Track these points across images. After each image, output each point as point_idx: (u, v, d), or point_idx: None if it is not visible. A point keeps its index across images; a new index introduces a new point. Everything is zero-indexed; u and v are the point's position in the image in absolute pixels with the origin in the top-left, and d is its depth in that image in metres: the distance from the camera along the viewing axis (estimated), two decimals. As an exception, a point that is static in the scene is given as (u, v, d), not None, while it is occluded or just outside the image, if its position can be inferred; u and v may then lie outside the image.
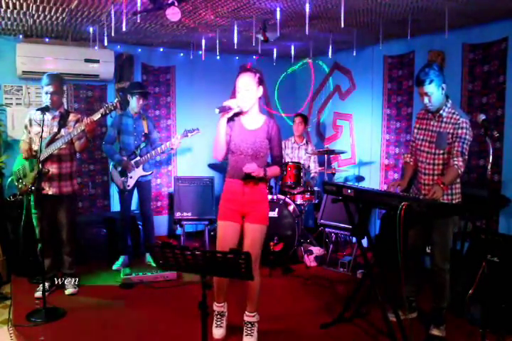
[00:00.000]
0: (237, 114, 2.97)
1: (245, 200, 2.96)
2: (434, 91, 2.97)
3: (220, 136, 2.91)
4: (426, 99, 3.02)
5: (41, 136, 3.46)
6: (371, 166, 5.54)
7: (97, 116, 3.56)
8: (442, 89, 3.00)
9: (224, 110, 2.84)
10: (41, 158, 3.52)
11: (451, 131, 3.00)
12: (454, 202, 3.07)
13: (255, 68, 3.02)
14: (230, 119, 2.96)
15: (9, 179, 4.45)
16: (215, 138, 2.94)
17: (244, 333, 3.03)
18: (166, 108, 5.81)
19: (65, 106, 5.09)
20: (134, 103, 4.58)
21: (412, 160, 3.35)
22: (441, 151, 3.06)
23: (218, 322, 3.09)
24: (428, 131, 3.16)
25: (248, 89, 2.88)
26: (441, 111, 3.06)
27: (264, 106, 6.48)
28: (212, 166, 6.06)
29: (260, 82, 2.95)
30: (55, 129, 3.73)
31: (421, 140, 3.21)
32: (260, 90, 2.94)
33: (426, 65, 3.06)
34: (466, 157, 2.96)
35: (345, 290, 3.95)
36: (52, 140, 3.67)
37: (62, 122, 3.75)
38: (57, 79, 3.78)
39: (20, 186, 3.80)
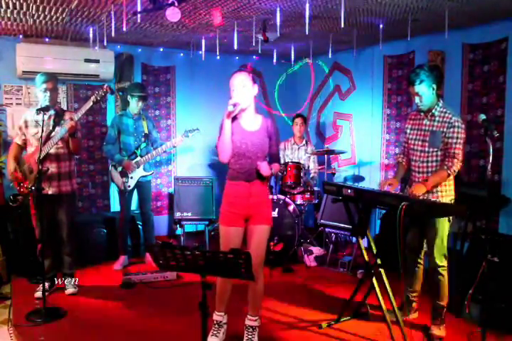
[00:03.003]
0: (234, 117, 2.91)
1: (251, 203, 2.90)
2: (424, 91, 3.05)
3: (226, 137, 2.84)
4: (417, 99, 3.11)
5: (41, 136, 3.45)
6: (371, 166, 5.54)
7: (89, 104, 3.58)
8: (433, 89, 3.07)
9: (236, 105, 2.80)
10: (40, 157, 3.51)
11: (444, 129, 3.06)
12: (443, 199, 3.08)
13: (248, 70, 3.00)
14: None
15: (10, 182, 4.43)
16: (220, 141, 2.87)
17: (245, 338, 2.97)
18: (166, 108, 5.81)
19: (65, 107, 5.13)
20: (134, 105, 4.57)
21: (405, 160, 3.41)
22: (435, 149, 3.10)
23: (215, 332, 3.00)
24: (421, 130, 3.21)
25: (245, 85, 2.86)
26: (433, 111, 3.13)
27: (264, 107, 6.48)
28: (212, 166, 6.06)
29: (254, 81, 2.95)
30: (51, 128, 3.71)
31: (414, 139, 3.26)
32: (255, 89, 2.93)
33: (417, 66, 3.16)
34: (460, 157, 3.02)
35: (345, 290, 3.94)
36: (48, 139, 3.66)
37: (57, 120, 3.74)
38: (53, 77, 3.81)
39: (21, 190, 3.78)
